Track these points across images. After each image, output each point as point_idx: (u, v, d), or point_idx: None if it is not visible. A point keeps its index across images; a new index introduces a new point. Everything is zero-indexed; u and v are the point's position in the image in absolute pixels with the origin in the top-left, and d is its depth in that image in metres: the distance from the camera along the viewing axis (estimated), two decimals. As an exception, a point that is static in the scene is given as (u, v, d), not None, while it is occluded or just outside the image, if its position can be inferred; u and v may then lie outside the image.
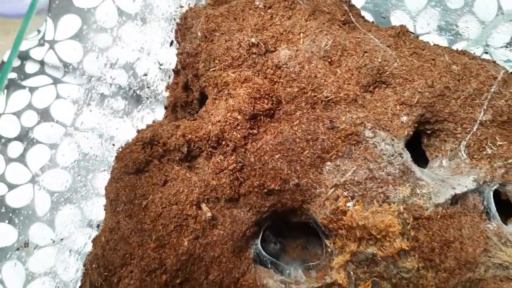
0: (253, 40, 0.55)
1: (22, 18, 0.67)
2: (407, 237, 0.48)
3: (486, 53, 0.65)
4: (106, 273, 0.50)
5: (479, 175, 0.52)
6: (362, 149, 0.51)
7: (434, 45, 0.58)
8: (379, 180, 0.50)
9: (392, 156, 0.51)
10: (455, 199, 0.50)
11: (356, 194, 0.50)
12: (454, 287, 0.49)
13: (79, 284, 0.58)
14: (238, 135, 0.52)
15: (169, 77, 0.70)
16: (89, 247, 0.55)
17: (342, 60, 0.54)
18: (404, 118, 0.53)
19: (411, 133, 0.53)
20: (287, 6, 0.58)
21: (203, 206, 0.51)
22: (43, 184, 0.65)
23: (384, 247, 0.48)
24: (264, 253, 0.54)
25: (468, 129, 0.53)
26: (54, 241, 0.62)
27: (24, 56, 0.71)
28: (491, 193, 0.52)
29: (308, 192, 0.51)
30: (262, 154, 0.51)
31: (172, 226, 0.50)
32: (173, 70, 0.69)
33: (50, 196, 0.64)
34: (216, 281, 0.50)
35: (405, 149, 0.52)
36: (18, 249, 0.61)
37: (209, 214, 0.50)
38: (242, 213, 0.52)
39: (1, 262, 0.61)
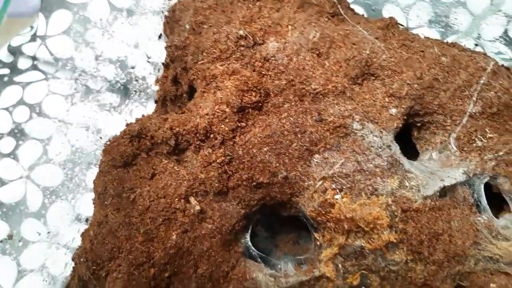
0: (241, 32, 0.55)
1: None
2: (395, 229, 0.48)
3: (477, 45, 0.65)
4: (94, 267, 0.50)
5: (469, 167, 0.51)
6: (350, 141, 0.51)
7: (425, 37, 0.58)
8: (367, 172, 0.50)
9: (380, 148, 0.50)
10: (444, 191, 0.50)
11: (344, 187, 0.49)
12: (443, 280, 0.49)
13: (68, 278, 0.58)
14: (226, 128, 0.51)
15: (158, 70, 0.70)
16: (78, 242, 0.55)
17: (330, 52, 0.54)
18: (393, 110, 0.52)
19: (400, 125, 0.52)
20: (276, -2, 0.58)
21: (192, 199, 0.51)
22: (35, 179, 0.65)
23: (372, 239, 0.48)
24: (252, 247, 0.54)
25: (458, 121, 0.53)
26: (40, 234, 0.62)
27: (17, 52, 0.72)
28: (482, 186, 0.52)
29: (296, 185, 0.51)
30: (251, 147, 0.51)
31: (160, 220, 0.50)
32: (163, 63, 0.68)
33: (42, 192, 0.65)
34: (205, 275, 0.50)
35: (394, 141, 0.52)
36: (1, 241, 0.61)
37: (197, 207, 0.50)
38: (231, 206, 0.51)
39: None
